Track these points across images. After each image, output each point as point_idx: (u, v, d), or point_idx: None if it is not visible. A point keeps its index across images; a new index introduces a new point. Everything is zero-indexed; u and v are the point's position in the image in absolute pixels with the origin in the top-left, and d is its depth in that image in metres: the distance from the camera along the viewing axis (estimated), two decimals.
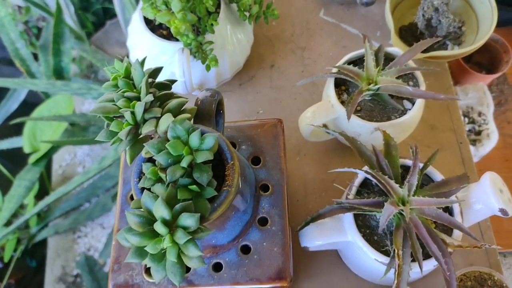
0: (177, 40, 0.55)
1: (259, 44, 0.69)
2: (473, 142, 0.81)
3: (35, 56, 1.22)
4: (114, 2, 1.14)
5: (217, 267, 0.41)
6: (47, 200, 1.07)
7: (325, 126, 0.56)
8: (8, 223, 1.10)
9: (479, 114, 0.82)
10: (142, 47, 0.59)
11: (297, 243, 0.47)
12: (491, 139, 0.80)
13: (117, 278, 0.41)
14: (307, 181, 0.59)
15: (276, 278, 0.40)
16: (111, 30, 1.56)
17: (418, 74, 0.53)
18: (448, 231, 0.45)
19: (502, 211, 0.43)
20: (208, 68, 0.56)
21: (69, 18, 1.27)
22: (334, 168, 0.45)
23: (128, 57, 0.75)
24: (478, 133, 0.82)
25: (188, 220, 0.31)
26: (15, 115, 1.15)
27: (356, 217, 0.45)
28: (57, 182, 1.49)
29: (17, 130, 1.22)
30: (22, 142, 1.17)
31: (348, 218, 0.45)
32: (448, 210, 0.45)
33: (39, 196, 1.20)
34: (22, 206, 1.29)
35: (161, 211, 0.31)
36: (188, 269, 0.41)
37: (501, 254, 0.99)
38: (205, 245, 0.40)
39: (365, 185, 0.48)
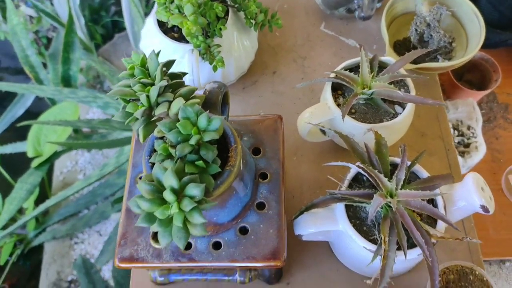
0: (187, 42, 0.60)
1: (263, 52, 0.73)
2: (462, 154, 0.85)
3: (44, 65, 1.26)
4: (124, 15, 1.19)
5: (217, 246, 0.44)
6: (48, 203, 1.08)
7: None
8: (6, 227, 1.11)
9: (468, 127, 0.86)
10: (155, 48, 0.63)
11: (291, 235, 0.50)
12: (479, 151, 0.84)
13: (123, 252, 0.44)
14: (303, 179, 0.62)
15: (271, 257, 0.43)
16: (119, 43, 1.61)
17: (409, 81, 0.57)
18: (432, 224, 0.48)
19: (483, 207, 0.46)
20: (215, 68, 0.60)
21: (79, 29, 1.32)
22: (328, 168, 0.49)
23: None
24: (467, 145, 0.86)
25: (194, 190, 0.34)
26: (20, 121, 1.17)
27: (347, 208, 0.49)
28: (57, 188, 1.51)
29: (20, 136, 1.25)
30: (24, 147, 1.19)
31: (339, 208, 0.48)
32: (433, 204, 0.49)
33: (39, 202, 1.21)
34: (20, 211, 1.31)
35: (170, 180, 0.35)
36: (189, 247, 0.45)
37: (486, 262, 1.01)
38: (207, 222, 0.43)
39: (357, 180, 0.51)
